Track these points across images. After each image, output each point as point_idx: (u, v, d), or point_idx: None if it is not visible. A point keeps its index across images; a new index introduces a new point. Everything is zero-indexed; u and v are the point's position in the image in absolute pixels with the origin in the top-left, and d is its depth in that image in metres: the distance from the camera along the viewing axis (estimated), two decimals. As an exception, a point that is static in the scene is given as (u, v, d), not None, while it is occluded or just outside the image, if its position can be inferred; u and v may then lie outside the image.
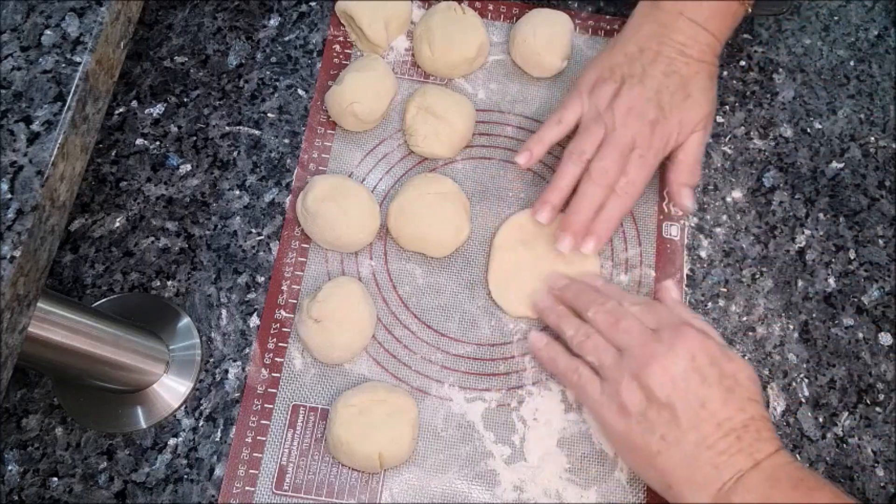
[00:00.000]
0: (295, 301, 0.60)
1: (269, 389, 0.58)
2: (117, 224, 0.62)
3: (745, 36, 0.71)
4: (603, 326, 0.53)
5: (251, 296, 0.60)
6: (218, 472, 0.55)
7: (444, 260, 0.62)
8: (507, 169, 0.65)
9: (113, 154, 0.64)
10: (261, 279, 0.61)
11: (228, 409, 0.57)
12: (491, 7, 0.71)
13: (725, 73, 0.69)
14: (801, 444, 0.58)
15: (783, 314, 0.62)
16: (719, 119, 0.68)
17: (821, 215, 0.65)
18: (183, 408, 0.57)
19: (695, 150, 0.60)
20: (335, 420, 0.54)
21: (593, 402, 0.52)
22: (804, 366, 0.60)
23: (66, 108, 0.45)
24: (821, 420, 0.59)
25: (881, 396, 0.59)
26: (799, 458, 0.57)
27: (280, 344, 0.59)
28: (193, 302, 0.60)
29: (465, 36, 0.66)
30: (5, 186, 0.42)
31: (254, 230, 0.63)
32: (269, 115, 0.66)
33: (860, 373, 0.60)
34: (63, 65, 0.46)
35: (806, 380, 0.60)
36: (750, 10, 0.61)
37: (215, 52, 0.68)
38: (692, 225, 0.64)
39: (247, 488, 0.55)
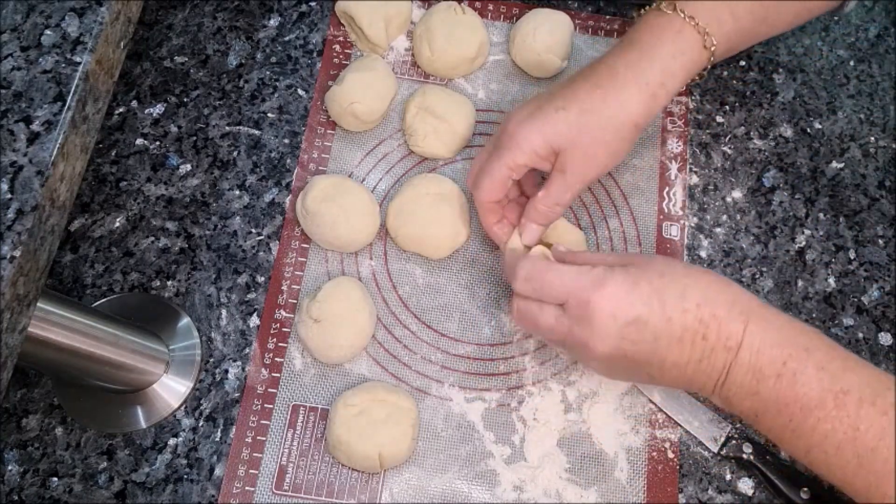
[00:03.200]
0: (295, 301, 0.60)
1: (269, 389, 0.58)
2: (117, 224, 0.62)
3: (745, 36, 0.71)
4: (531, 331, 0.55)
5: (251, 296, 0.60)
6: (218, 472, 0.55)
7: (444, 260, 0.62)
8: (507, 169, 0.65)
9: (113, 154, 0.64)
10: (261, 279, 0.61)
11: (228, 409, 0.57)
12: (491, 7, 0.71)
13: (725, 72, 0.69)
14: (801, 444, 0.58)
15: (783, 314, 0.62)
16: (719, 119, 0.68)
17: (821, 215, 0.65)
18: (183, 408, 0.57)
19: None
20: (335, 420, 0.54)
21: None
22: (804, 366, 0.60)
23: (66, 108, 0.45)
24: (821, 420, 0.59)
25: (881, 396, 0.59)
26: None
27: (280, 344, 0.59)
28: (193, 302, 0.60)
29: (465, 36, 0.66)
30: (5, 186, 0.42)
31: (254, 230, 0.63)
32: (269, 115, 0.66)
33: (860, 373, 0.60)
34: (63, 65, 0.46)
35: (806, 380, 0.60)
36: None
37: (215, 52, 0.68)
38: (692, 225, 0.64)
39: (247, 488, 0.55)
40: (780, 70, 0.70)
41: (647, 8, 0.56)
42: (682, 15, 0.54)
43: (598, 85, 0.53)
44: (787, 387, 0.45)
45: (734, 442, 0.56)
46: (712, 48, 0.54)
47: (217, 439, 0.56)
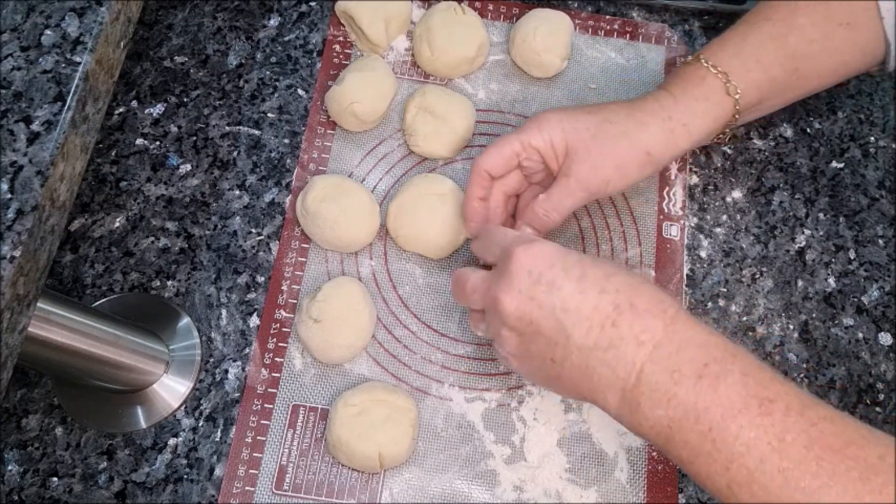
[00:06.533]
0: (295, 301, 0.60)
1: (269, 389, 0.58)
2: (117, 224, 0.62)
3: (745, 36, 0.71)
4: (464, 303, 0.52)
5: (251, 296, 0.60)
6: (218, 472, 0.55)
7: (444, 260, 0.62)
8: (507, 169, 0.65)
9: (113, 154, 0.64)
10: (261, 279, 0.61)
11: (228, 409, 0.57)
12: (491, 7, 0.71)
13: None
14: (801, 444, 0.58)
15: (783, 314, 0.62)
16: (719, 119, 0.68)
17: (821, 215, 0.65)
18: (183, 408, 0.57)
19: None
20: (335, 420, 0.54)
21: (510, 368, 0.51)
22: (804, 366, 0.60)
23: (66, 108, 0.45)
24: (821, 420, 0.59)
25: (881, 396, 0.59)
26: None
27: (280, 344, 0.59)
28: (193, 302, 0.60)
29: (465, 36, 0.66)
30: (5, 186, 0.42)
31: (254, 230, 0.63)
32: (269, 115, 0.66)
33: (860, 373, 0.60)
34: (63, 65, 0.46)
35: (806, 380, 0.60)
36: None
37: (215, 52, 0.68)
38: (692, 225, 0.64)
39: (247, 488, 0.55)
40: (780, 70, 0.70)
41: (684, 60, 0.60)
42: (706, 64, 0.56)
43: (626, 107, 0.56)
44: (709, 389, 0.41)
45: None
46: (736, 95, 0.56)
47: (217, 439, 0.56)
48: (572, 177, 0.54)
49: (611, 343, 0.43)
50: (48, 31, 0.47)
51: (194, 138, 0.65)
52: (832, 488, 0.38)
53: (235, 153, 0.65)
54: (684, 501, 0.56)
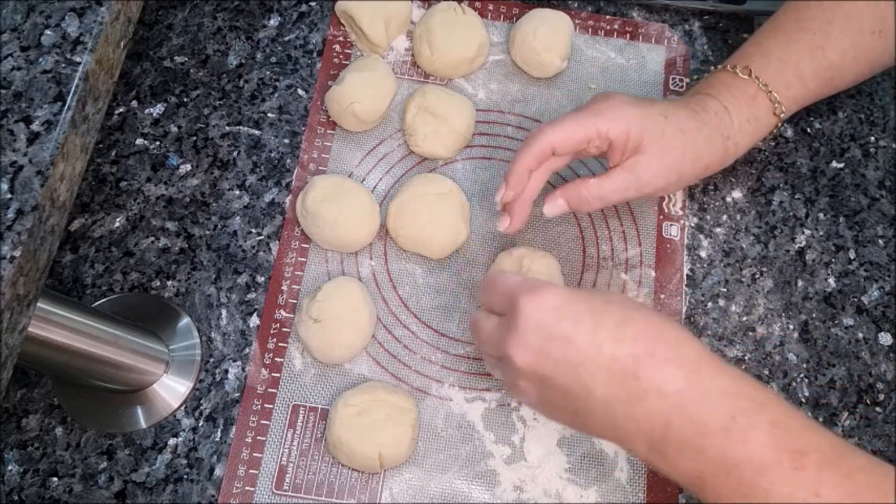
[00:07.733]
0: (295, 301, 0.60)
1: (269, 389, 0.58)
2: (117, 224, 0.62)
3: (746, 36, 0.71)
4: (482, 349, 0.51)
5: (251, 296, 0.60)
6: (218, 472, 0.55)
7: (444, 260, 0.62)
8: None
9: (113, 154, 0.64)
10: (261, 279, 0.61)
11: (228, 409, 0.57)
12: (491, 7, 0.71)
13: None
14: (801, 444, 0.58)
15: (783, 314, 0.62)
16: (719, 119, 0.68)
17: (821, 215, 0.65)
18: (183, 408, 0.57)
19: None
20: (335, 420, 0.54)
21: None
22: (804, 366, 0.60)
23: (66, 108, 0.45)
24: (821, 420, 0.59)
25: (881, 396, 0.59)
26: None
27: (280, 344, 0.59)
28: (193, 302, 0.60)
29: (465, 36, 0.66)
30: (5, 186, 0.42)
31: (254, 230, 0.63)
32: (269, 115, 0.66)
33: (860, 373, 0.60)
34: (63, 65, 0.46)
35: (806, 380, 0.60)
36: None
37: (215, 52, 0.68)
38: (692, 225, 0.64)
39: (247, 488, 0.55)
40: (780, 70, 0.70)
41: (717, 67, 0.59)
42: (758, 82, 0.56)
43: (693, 118, 0.55)
44: (737, 443, 0.39)
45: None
46: (781, 115, 0.57)
47: (217, 439, 0.56)
48: (633, 173, 0.53)
49: (634, 396, 0.41)
50: (48, 31, 0.47)
51: (194, 138, 0.65)
52: None
53: (235, 153, 0.65)
54: (684, 502, 0.56)
